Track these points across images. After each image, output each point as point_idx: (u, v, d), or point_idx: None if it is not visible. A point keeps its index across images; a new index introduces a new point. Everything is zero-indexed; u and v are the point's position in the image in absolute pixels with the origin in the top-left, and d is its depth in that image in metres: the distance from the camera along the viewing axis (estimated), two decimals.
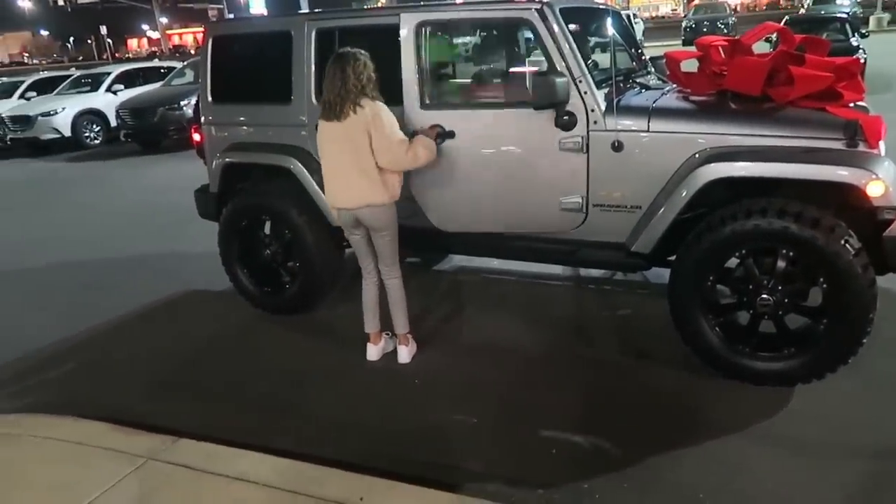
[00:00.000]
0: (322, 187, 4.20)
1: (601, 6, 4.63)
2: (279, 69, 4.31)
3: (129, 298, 5.13)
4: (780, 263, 3.18)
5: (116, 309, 4.94)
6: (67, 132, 13.74)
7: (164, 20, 63.53)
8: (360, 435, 3.19)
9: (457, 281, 5.05)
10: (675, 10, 65.95)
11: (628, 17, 4.78)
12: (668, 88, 4.04)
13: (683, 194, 3.31)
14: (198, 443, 2.87)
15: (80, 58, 75.85)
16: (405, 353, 3.80)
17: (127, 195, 9.26)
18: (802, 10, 25.93)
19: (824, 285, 3.10)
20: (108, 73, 14.81)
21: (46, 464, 2.86)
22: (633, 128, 3.51)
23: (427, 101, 3.89)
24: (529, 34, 3.80)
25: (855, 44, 12.08)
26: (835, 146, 3.19)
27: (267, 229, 4.54)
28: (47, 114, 13.67)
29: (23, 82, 16.12)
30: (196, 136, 4.80)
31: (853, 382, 3.26)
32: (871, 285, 3.00)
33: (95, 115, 14.06)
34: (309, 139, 4.28)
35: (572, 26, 3.73)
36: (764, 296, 3.22)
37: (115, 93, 14.12)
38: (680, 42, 23.40)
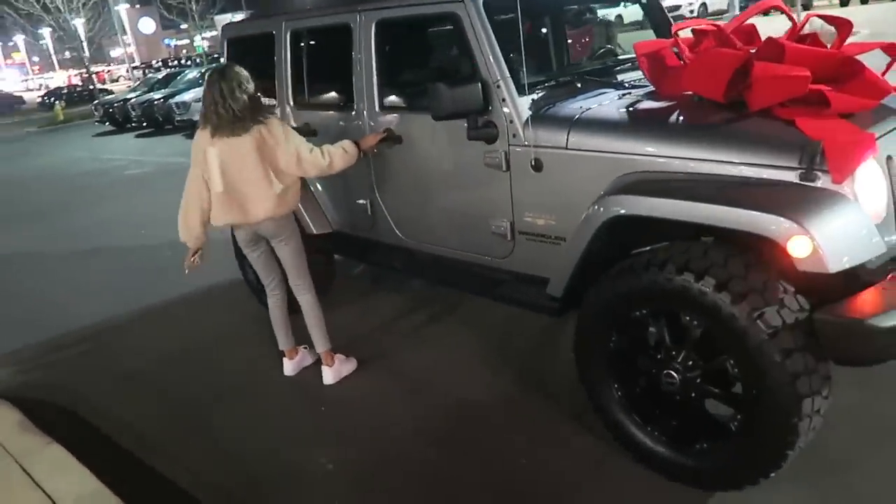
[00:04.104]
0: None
1: None
2: (269, 71, 4.28)
3: (192, 281, 5.43)
4: (693, 332, 2.42)
5: (173, 292, 5.35)
6: None
7: None
8: (229, 469, 3.08)
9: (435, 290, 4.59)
10: None
11: None
12: (641, 91, 3.21)
13: (586, 231, 2.66)
14: (61, 449, 3.03)
15: None
16: (329, 374, 3.64)
17: None
18: None
19: (735, 369, 2.31)
20: None
21: None
22: (551, 143, 2.88)
23: (383, 104, 3.66)
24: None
25: None
26: (785, 177, 2.31)
27: None
28: (199, 100, 15.29)
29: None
30: None
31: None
32: (795, 380, 2.15)
33: None
34: None
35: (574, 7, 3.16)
36: (670, 371, 2.49)
37: None
38: None
